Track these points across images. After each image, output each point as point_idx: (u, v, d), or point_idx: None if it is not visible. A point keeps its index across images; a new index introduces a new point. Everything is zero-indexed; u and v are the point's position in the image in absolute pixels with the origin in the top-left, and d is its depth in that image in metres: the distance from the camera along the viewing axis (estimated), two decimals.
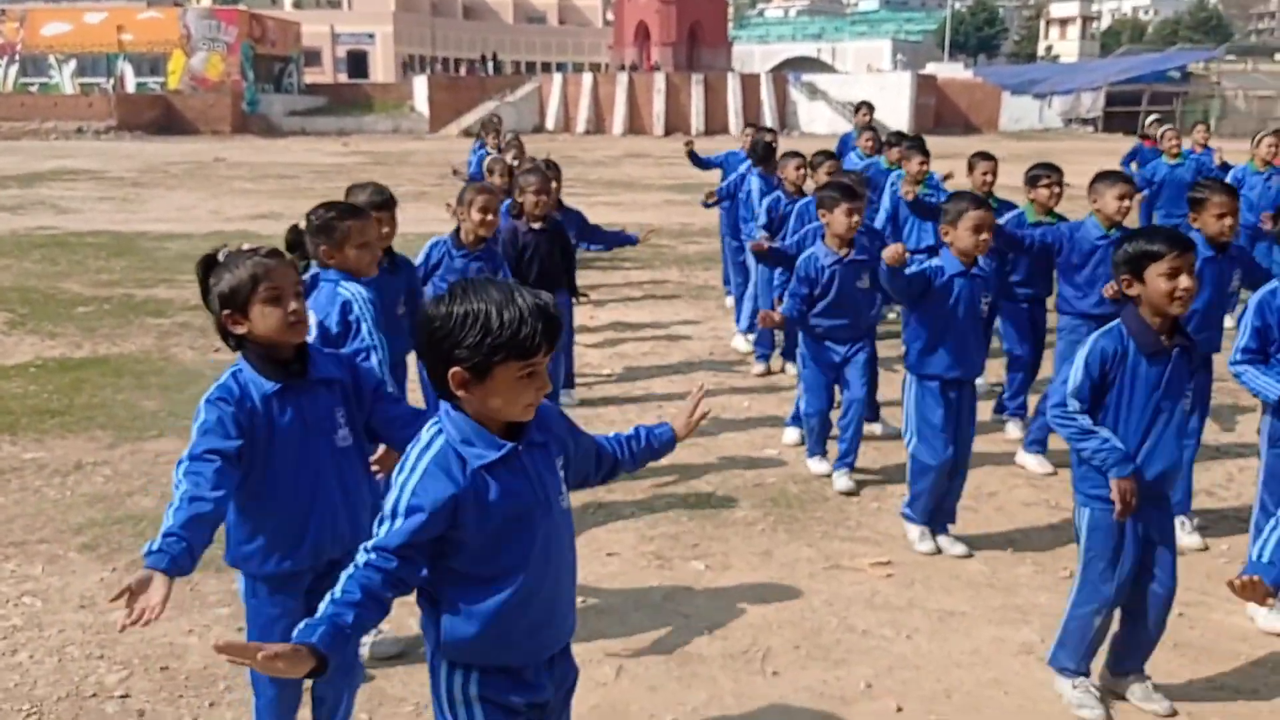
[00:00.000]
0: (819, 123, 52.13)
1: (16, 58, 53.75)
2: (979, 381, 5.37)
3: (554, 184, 7.41)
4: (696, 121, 51.32)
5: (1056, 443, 5.56)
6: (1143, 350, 3.40)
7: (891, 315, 8.70)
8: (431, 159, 31.96)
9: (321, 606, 2.13)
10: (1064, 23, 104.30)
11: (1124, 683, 3.67)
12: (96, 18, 53.73)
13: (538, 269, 6.11)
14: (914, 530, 4.94)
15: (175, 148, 38.83)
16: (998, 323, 6.58)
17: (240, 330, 2.76)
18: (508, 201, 6.55)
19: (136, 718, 3.56)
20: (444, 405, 2.21)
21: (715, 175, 11.62)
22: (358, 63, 68.61)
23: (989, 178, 7.22)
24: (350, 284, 3.77)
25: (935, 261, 4.83)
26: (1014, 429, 6.60)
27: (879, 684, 3.80)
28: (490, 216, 5.50)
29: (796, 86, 55.57)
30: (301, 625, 2.10)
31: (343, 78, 66.20)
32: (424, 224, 13.62)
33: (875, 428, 6.46)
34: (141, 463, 5.93)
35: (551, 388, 2.24)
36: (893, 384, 7.09)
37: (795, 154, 8.16)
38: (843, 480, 5.65)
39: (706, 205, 9.64)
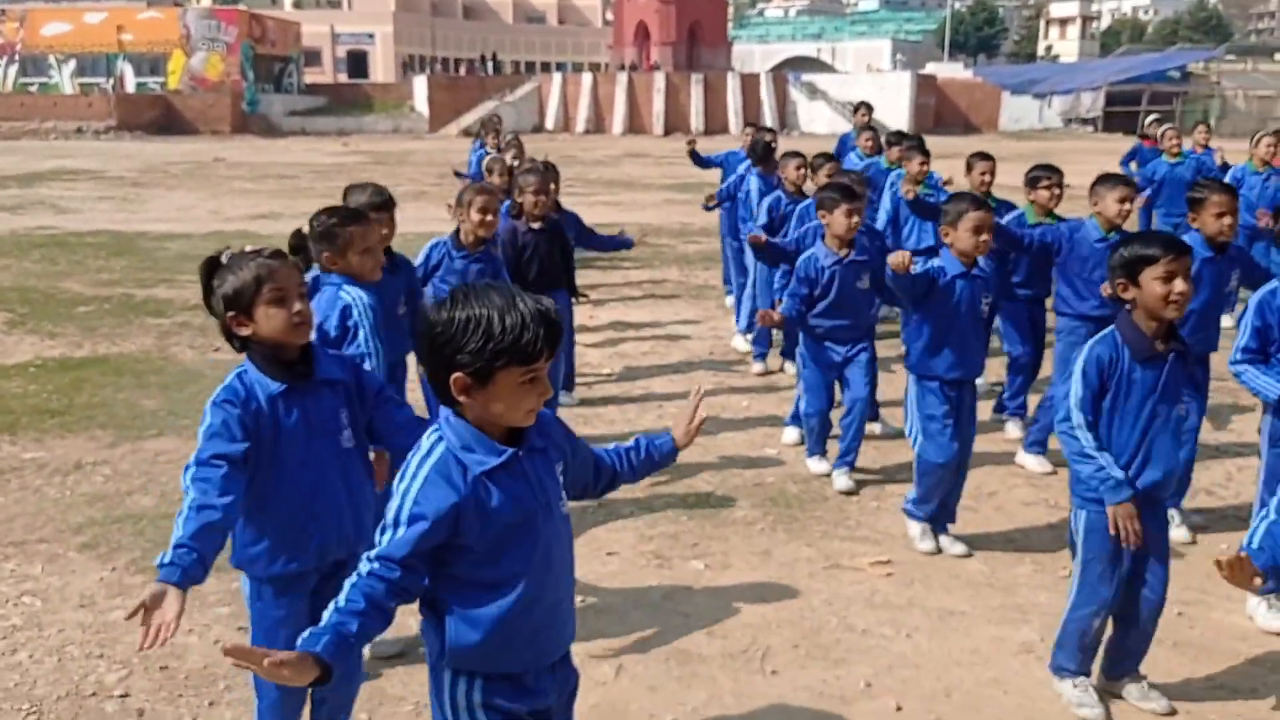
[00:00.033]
0: (819, 122, 52.12)
1: (16, 58, 53.73)
2: (979, 381, 5.38)
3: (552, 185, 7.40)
4: (696, 121, 51.30)
5: (1057, 443, 5.56)
6: (1137, 356, 3.40)
7: (890, 315, 8.70)
8: (431, 159, 31.98)
9: (326, 615, 2.14)
10: (1064, 22, 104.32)
11: (1120, 685, 3.68)
12: (96, 18, 53.71)
13: (537, 269, 6.11)
14: (915, 527, 4.94)
15: (175, 148, 38.83)
16: (998, 322, 6.58)
17: (245, 332, 2.76)
18: (508, 202, 6.55)
19: (136, 717, 3.56)
20: (444, 411, 2.21)
21: (715, 175, 11.65)
22: (358, 63, 68.60)
23: (987, 178, 7.22)
24: (352, 288, 3.78)
25: (936, 262, 4.83)
26: (1014, 429, 6.61)
27: (879, 683, 3.81)
28: (490, 217, 5.50)
29: (796, 86, 55.56)
30: (306, 634, 2.10)
31: (343, 78, 66.20)
32: (424, 224, 13.62)
33: (874, 427, 6.46)
34: (141, 462, 5.93)
35: (553, 392, 2.25)
36: (892, 384, 7.11)
37: (796, 154, 8.16)
38: (842, 479, 5.66)
39: (707, 208, 9.65)
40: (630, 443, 2.63)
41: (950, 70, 64.81)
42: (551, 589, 2.29)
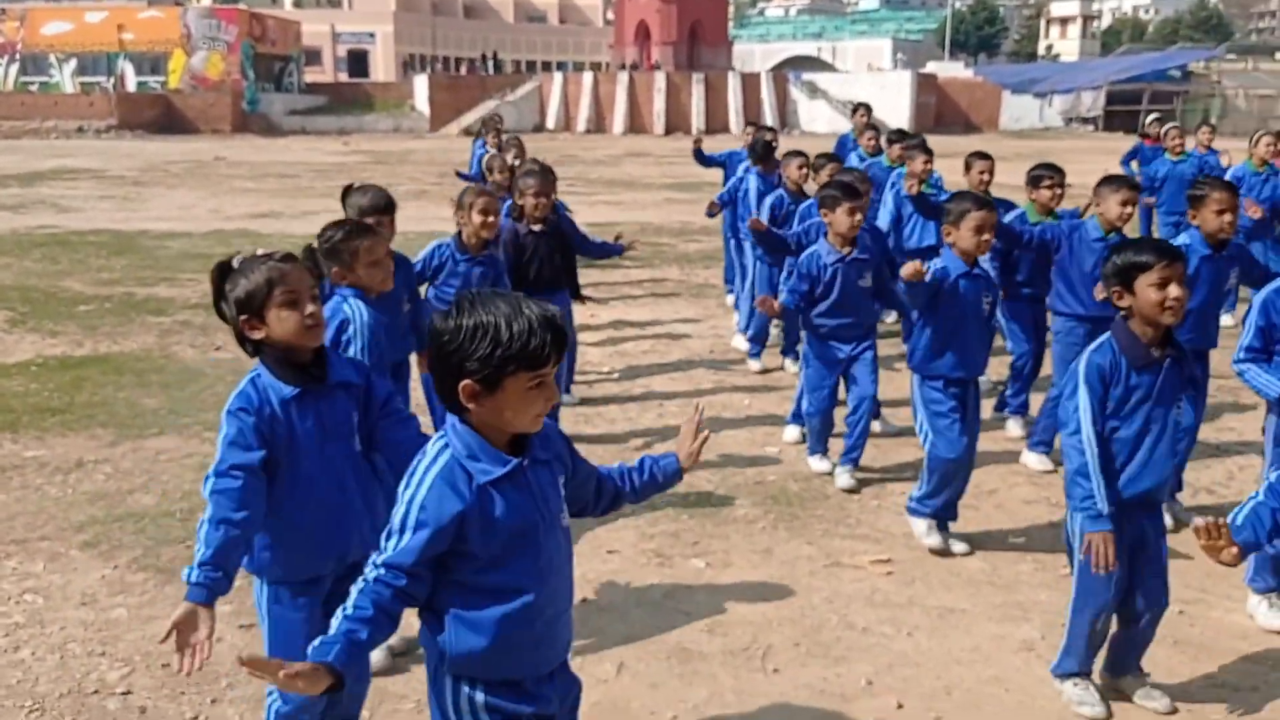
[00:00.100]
0: (819, 122, 52.13)
1: (17, 57, 53.74)
2: (980, 379, 5.38)
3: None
4: (697, 120, 51.29)
5: (1060, 442, 5.57)
6: (1134, 363, 3.40)
7: (890, 319, 8.70)
8: (432, 158, 31.99)
9: (335, 622, 2.15)
10: (1064, 22, 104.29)
11: (1122, 682, 3.68)
12: (97, 17, 53.72)
13: (537, 271, 6.09)
14: (920, 524, 4.92)
15: (175, 147, 38.83)
16: (1002, 321, 6.59)
17: (258, 335, 2.76)
18: (508, 201, 6.55)
19: (138, 714, 3.57)
20: (450, 419, 2.21)
21: (717, 174, 11.66)
22: (358, 62, 68.60)
23: (986, 176, 7.22)
24: (356, 303, 3.77)
25: (939, 262, 4.83)
26: (1015, 426, 6.61)
27: (879, 681, 3.81)
28: (491, 218, 5.50)
29: (797, 85, 55.56)
30: (317, 643, 2.12)
31: (343, 77, 66.20)
32: (425, 223, 13.64)
33: (874, 425, 6.46)
34: (142, 460, 5.94)
35: (560, 397, 2.26)
36: (893, 382, 7.12)
37: (798, 153, 8.16)
38: (845, 477, 5.66)
39: (710, 215, 9.65)
40: (634, 463, 2.62)
41: (951, 69, 64.78)
42: (552, 600, 2.30)
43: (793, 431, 6.40)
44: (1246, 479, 5.77)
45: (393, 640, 3.93)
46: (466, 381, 2.11)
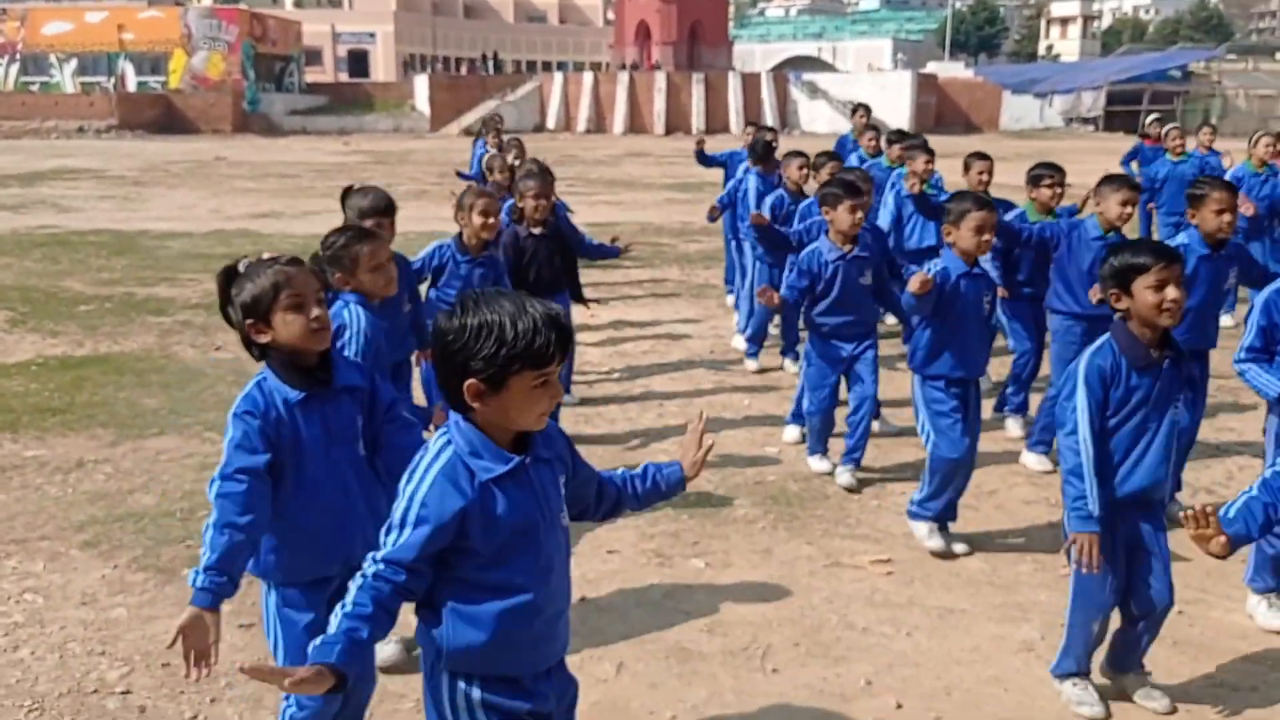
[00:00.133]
0: (820, 122, 52.14)
1: (17, 57, 53.76)
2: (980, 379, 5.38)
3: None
4: (697, 121, 51.32)
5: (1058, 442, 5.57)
6: (1133, 365, 3.40)
7: (891, 319, 8.70)
8: (432, 158, 31.99)
9: (334, 620, 2.15)
10: (1065, 22, 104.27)
11: (1123, 679, 3.68)
12: (97, 17, 53.73)
13: (536, 274, 6.07)
14: (922, 527, 4.90)
15: (176, 147, 38.84)
16: (1003, 320, 6.60)
17: (264, 339, 2.76)
18: (509, 201, 6.55)
19: (138, 714, 3.57)
20: (454, 416, 2.22)
21: (718, 174, 11.66)
22: (358, 62, 68.61)
23: (984, 177, 7.22)
24: (355, 308, 3.76)
25: (939, 263, 4.82)
26: (1014, 426, 6.61)
27: (879, 681, 3.81)
28: (491, 219, 5.51)
29: (797, 85, 55.57)
30: (318, 643, 2.12)
31: (344, 77, 66.21)
32: (425, 223, 13.64)
33: (874, 425, 6.46)
34: (143, 460, 5.94)
35: (564, 395, 2.26)
36: (893, 382, 7.11)
37: (799, 154, 8.16)
38: (845, 476, 5.66)
39: (711, 220, 9.65)
40: (638, 469, 2.62)
41: (951, 70, 64.80)
42: (551, 599, 2.30)
43: (792, 432, 6.40)
44: (1246, 479, 5.75)
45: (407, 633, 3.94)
46: (471, 380, 2.11)
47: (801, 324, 6.76)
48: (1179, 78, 60.58)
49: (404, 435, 2.95)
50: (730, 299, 10.08)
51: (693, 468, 2.60)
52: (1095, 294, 5.21)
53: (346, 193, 4.66)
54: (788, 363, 8.04)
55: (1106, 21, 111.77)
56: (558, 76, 56.58)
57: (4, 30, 53.77)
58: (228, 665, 3.73)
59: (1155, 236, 9.30)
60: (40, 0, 56.85)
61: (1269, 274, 5.28)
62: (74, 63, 53.61)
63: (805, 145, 9.65)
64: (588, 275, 9.92)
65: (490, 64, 64.32)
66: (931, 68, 64.38)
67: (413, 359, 5.18)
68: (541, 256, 6.16)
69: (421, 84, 55.44)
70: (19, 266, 12.45)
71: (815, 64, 71.65)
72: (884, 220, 8.18)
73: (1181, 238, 5.12)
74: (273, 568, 2.88)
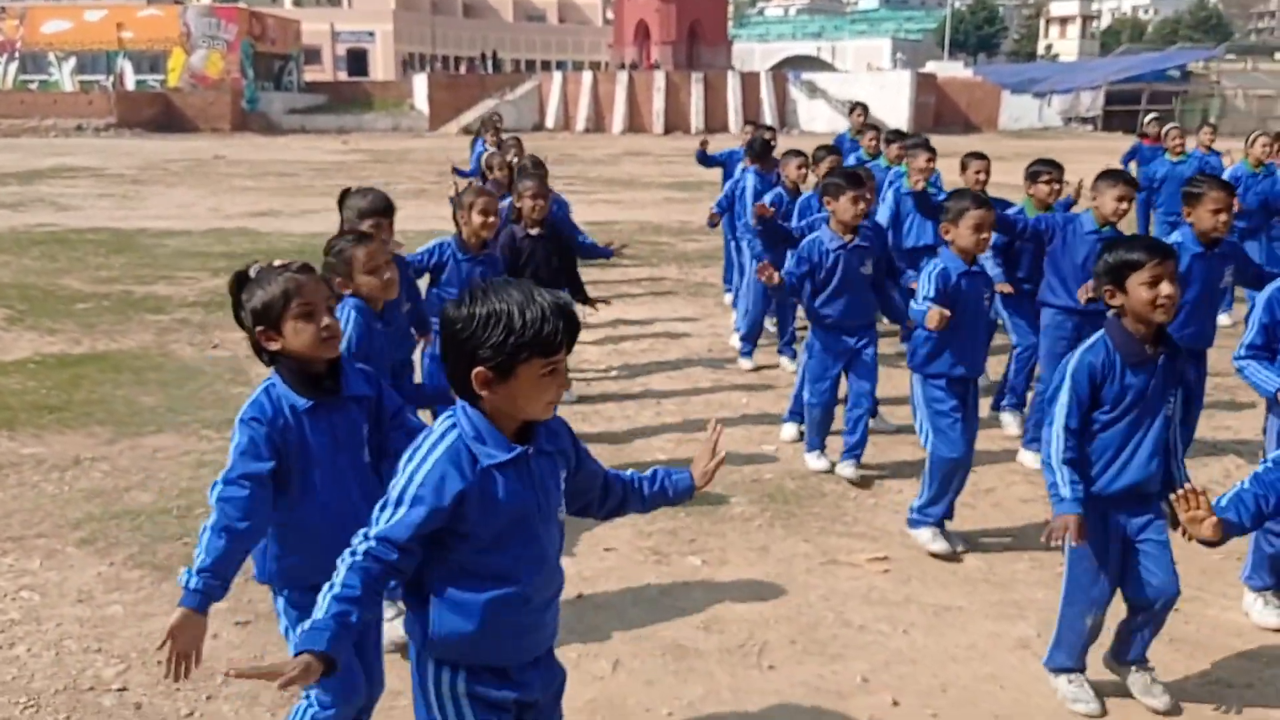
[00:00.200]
0: (819, 121, 52.12)
1: (16, 55, 53.72)
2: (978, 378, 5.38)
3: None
4: (696, 120, 51.33)
5: None
6: (1128, 361, 3.41)
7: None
8: (431, 157, 31.97)
9: (322, 602, 2.15)
10: (1064, 21, 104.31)
11: (1126, 670, 3.67)
12: (96, 15, 53.70)
13: (533, 274, 6.06)
14: (925, 533, 4.87)
15: (175, 145, 38.83)
16: (1004, 316, 6.60)
17: (274, 346, 2.75)
18: (509, 199, 6.55)
19: (134, 711, 3.57)
20: (461, 402, 2.22)
21: (716, 174, 11.66)
22: (357, 61, 68.57)
23: (982, 177, 7.22)
24: (350, 313, 3.73)
25: (939, 263, 4.81)
26: (1011, 422, 6.62)
27: (875, 678, 3.81)
28: (491, 218, 5.51)
29: (796, 85, 55.57)
30: (307, 629, 2.12)
31: (342, 75, 66.17)
32: (424, 221, 13.65)
33: (870, 422, 6.46)
34: (140, 458, 5.94)
35: (570, 385, 2.26)
36: (892, 380, 7.11)
37: (797, 153, 8.16)
38: (850, 469, 5.67)
39: (712, 225, 9.65)
40: (647, 472, 2.62)
41: (950, 69, 64.78)
42: (540, 590, 2.30)
43: (790, 429, 6.40)
44: (1243, 477, 5.76)
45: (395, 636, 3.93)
46: (479, 369, 2.12)
47: (802, 318, 6.76)
48: (1178, 78, 60.60)
49: (410, 442, 2.95)
50: (728, 297, 10.08)
51: (703, 477, 2.60)
52: (1084, 294, 5.22)
53: (345, 195, 4.64)
54: (784, 361, 8.04)
55: (1105, 21, 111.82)
56: (557, 76, 56.56)
57: (3, 28, 53.73)
58: (224, 663, 3.75)
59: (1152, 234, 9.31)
60: None
61: (1264, 273, 5.28)
62: (73, 61, 53.58)
63: (804, 145, 9.64)
64: (585, 274, 9.93)
65: (489, 63, 64.28)
66: (930, 67, 64.38)
67: (415, 356, 5.18)
68: (539, 256, 6.16)
69: (420, 83, 55.40)
70: (17, 264, 12.45)
71: (814, 63, 71.64)
72: (882, 218, 8.18)
73: (1175, 236, 5.12)
74: (278, 574, 2.89)
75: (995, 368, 7.10)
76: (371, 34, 68.85)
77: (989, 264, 6.06)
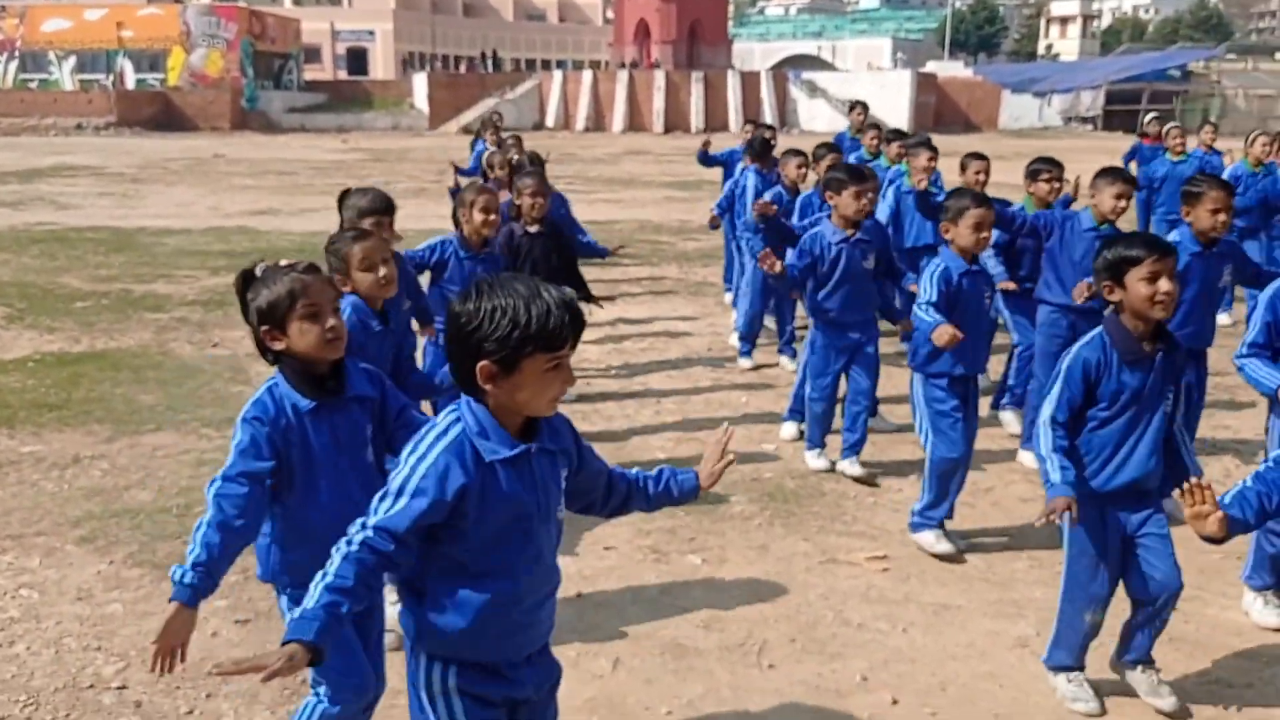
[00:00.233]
0: (819, 120, 52.11)
1: (16, 54, 53.71)
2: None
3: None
4: (696, 119, 51.33)
5: None
6: (1125, 358, 3.41)
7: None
8: (431, 156, 31.96)
9: (314, 590, 2.13)
10: (1064, 21, 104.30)
11: (1131, 670, 3.66)
12: (96, 14, 53.70)
13: (532, 272, 6.07)
14: (928, 535, 4.85)
15: (174, 144, 38.83)
16: (1006, 314, 6.60)
17: (278, 346, 2.75)
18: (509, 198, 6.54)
19: (133, 709, 3.57)
20: (465, 396, 2.22)
21: (716, 173, 11.65)
22: (357, 59, 68.57)
23: (981, 177, 7.22)
24: (345, 312, 3.73)
25: (939, 263, 4.80)
26: (1011, 420, 6.61)
27: (874, 677, 3.81)
28: (492, 216, 5.50)
29: (796, 84, 55.57)
30: (296, 616, 2.11)
31: (342, 74, 66.18)
32: (424, 220, 13.63)
33: (870, 421, 6.46)
34: (139, 456, 5.94)
35: (574, 381, 2.26)
36: (892, 379, 7.11)
37: (797, 152, 8.15)
38: (854, 467, 5.67)
39: (713, 228, 9.63)
40: (652, 471, 2.62)
41: (950, 69, 64.79)
42: (535, 589, 2.30)
43: (789, 428, 6.40)
44: (1243, 476, 5.76)
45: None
46: (484, 362, 2.12)
47: (802, 316, 6.76)
48: (1178, 77, 60.60)
49: None
50: (728, 297, 10.08)
51: (710, 479, 2.62)
52: (1080, 294, 5.22)
53: (345, 194, 4.63)
54: (784, 360, 8.04)
55: (1106, 21, 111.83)
56: (557, 75, 56.56)
57: (3, 27, 53.74)
58: (224, 661, 3.74)
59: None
60: None
61: (1263, 272, 5.28)
62: (73, 60, 53.58)
63: (804, 144, 9.64)
64: (585, 273, 9.93)
65: (489, 62, 64.27)
66: (931, 67, 64.39)
67: (416, 358, 5.17)
68: (538, 255, 6.16)
69: (420, 82, 55.40)
70: (16, 263, 12.45)
71: (815, 63, 71.66)
72: (882, 216, 8.18)
73: (1174, 235, 5.11)
74: (280, 572, 2.89)
75: (995, 367, 7.10)
76: (371, 33, 68.85)
77: (991, 262, 6.07)
